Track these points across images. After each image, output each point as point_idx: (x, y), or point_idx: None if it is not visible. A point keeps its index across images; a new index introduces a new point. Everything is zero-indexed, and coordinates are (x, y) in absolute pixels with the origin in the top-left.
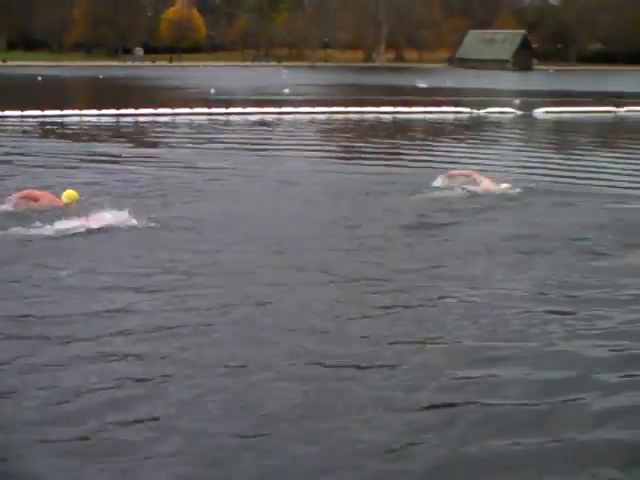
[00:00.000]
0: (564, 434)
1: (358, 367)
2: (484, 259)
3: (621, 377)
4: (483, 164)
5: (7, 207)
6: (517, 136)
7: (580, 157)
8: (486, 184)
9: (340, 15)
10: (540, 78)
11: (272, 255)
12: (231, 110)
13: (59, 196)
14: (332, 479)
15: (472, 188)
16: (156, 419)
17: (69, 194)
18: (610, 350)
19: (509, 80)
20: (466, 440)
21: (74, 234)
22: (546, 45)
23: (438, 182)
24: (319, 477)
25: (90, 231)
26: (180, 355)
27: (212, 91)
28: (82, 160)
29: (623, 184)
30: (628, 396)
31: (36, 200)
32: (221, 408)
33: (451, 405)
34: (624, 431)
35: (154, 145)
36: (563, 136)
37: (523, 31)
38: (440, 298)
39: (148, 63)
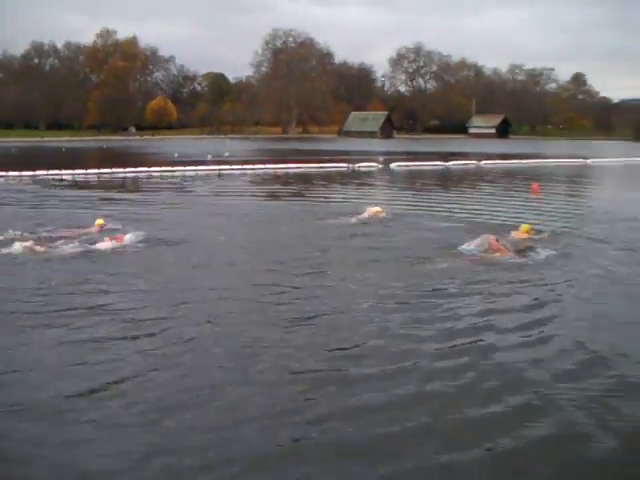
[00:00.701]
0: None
1: None
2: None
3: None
4: (359, 200)
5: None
6: (379, 182)
7: (423, 194)
8: (371, 212)
9: (265, 103)
10: (398, 143)
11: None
12: (188, 168)
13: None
14: None
15: (361, 216)
16: None
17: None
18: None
19: (377, 145)
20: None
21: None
22: (402, 121)
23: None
24: None
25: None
26: None
27: (175, 155)
28: (91, 201)
29: (454, 212)
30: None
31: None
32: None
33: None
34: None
35: (137, 191)
36: (410, 181)
37: (386, 112)
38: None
39: (138, 137)
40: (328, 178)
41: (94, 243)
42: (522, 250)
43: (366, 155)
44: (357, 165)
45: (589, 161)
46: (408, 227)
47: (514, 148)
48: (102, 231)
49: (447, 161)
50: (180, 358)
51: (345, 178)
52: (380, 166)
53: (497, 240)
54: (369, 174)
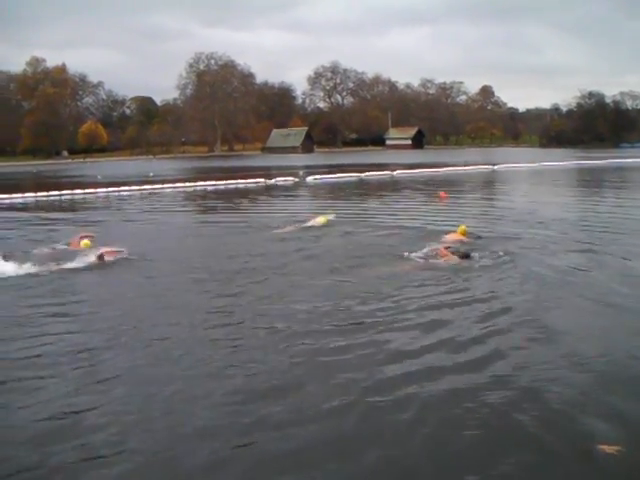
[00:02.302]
0: None
1: None
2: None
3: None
4: (280, 211)
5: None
6: (295, 193)
7: (341, 204)
8: (313, 221)
9: (191, 124)
10: (318, 157)
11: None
12: (109, 189)
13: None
14: None
15: (304, 224)
16: None
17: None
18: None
19: (298, 160)
20: None
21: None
22: (322, 136)
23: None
24: None
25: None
26: None
27: (99, 177)
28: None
29: (375, 220)
30: None
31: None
32: None
33: None
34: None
35: (63, 210)
36: (325, 192)
37: (306, 128)
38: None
39: (70, 161)
40: (246, 193)
41: (83, 259)
42: (464, 254)
43: (286, 169)
44: (274, 180)
45: (495, 167)
46: (351, 234)
47: (427, 158)
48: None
49: (362, 172)
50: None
51: (262, 193)
52: (297, 179)
53: (447, 248)
54: (286, 188)
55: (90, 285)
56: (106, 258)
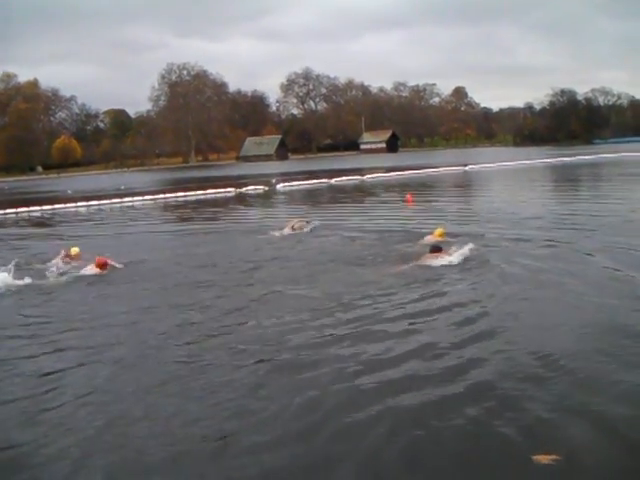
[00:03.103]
0: None
1: None
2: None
3: None
4: (250, 219)
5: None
6: (265, 201)
7: (311, 210)
8: (297, 225)
9: (164, 135)
10: (292, 164)
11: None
12: (79, 203)
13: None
14: None
15: (285, 230)
16: None
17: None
18: None
19: (272, 167)
20: None
21: None
22: (296, 142)
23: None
24: None
25: None
26: None
27: (69, 192)
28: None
29: (348, 224)
30: None
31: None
32: None
33: None
34: None
35: (38, 226)
36: (295, 199)
37: (280, 136)
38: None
39: (44, 176)
40: (216, 204)
41: (80, 270)
42: (435, 247)
43: (259, 178)
44: (244, 189)
45: (467, 168)
46: (327, 239)
47: (400, 161)
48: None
49: (331, 178)
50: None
51: (233, 202)
52: (266, 188)
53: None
54: (257, 196)
55: (62, 301)
56: (99, 270)
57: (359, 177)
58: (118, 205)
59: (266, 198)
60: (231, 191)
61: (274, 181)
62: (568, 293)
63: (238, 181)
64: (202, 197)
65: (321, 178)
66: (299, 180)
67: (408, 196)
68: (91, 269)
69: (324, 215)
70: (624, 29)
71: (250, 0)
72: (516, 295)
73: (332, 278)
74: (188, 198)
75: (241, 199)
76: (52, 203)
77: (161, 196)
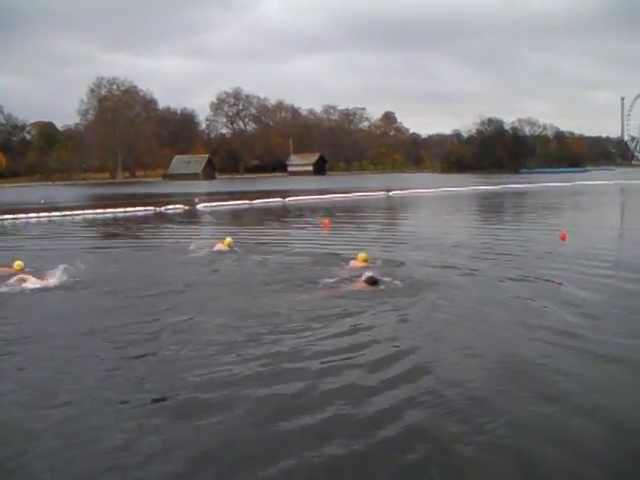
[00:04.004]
0: None
1: None
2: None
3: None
4: (167, 238)
5: None
6: (185, 220)
7: (233, 230)
8: (220, 246)
9: (91, 150)
10: (217, 184)
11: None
12: None
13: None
14: None
15: (212, 249)
16: None
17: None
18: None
19: (197, 187)
20: None
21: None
22: (224, 162)
23: (192, 247)
24: None
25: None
26: None
27: None
28: None
29: (271, 247)
30: None
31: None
32: None
33: None
34: None
35: None
36: (216, 219)
37: (207, 155)
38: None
39: None
40: (135, 221)
41: (24, 283)
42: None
43: (182, 197)
44: (164, 208)
45: (390, 193)
46: (246, 260)
47: (326, 184)
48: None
49: (252, 200)
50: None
51: (152, 221)
52: (186, 207)
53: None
54: (177, 215)
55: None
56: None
57: (281, 199)
58: (34, 220)
59: (186, 217)
60: (150, 209)
61: (196, 200)
62: (486, 323)
63: (160, 199)
64: (120, 215)
65: (243, 199)
66: (222, 200)
67: (325, 221)
68: (34, 283)
69: (243, 236)
70: (544, 62)
71: (178, 18)
72: (441, 329)
73: (255, 304)
74: (107, 215)
75: (160, 218)
76: None
77: (79, 212)
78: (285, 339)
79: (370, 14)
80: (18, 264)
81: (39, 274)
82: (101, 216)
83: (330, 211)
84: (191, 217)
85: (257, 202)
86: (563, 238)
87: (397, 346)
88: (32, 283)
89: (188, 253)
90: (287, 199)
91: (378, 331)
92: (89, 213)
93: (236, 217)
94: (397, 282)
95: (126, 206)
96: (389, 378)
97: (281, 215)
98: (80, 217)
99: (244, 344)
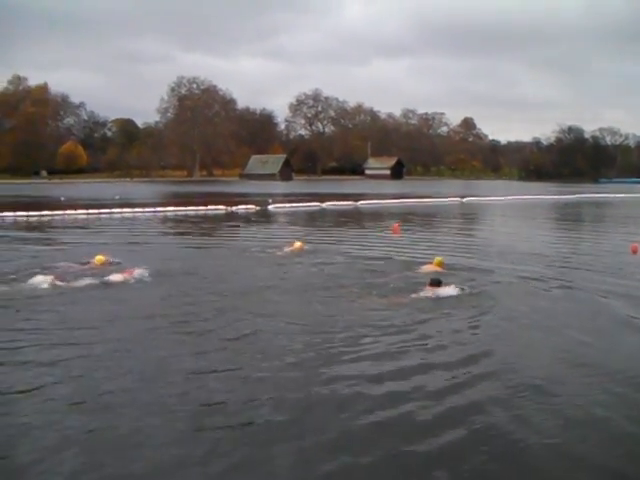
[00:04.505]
0: None
1: None
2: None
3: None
4: (252, 237)
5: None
6: (255, 220)
7: (304, 232)
8: (294, 247)
9: (170, 148)
10: (294, 185)
11: None
12: (67, 211)
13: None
14: None
15: (285, 250)
16: None
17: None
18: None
19: (274, 187)
20: None
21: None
22: (302, 163)
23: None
24: None
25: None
26: None
27: (62, 199)
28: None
29: (345, 247)
30: None
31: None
32: None
33: None
34: None
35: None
36: (286, 220)
37: (284, 155)
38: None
39: (46, 181)
40: (205, 221)
41: (106, 277)
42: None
43: (255, 197)
44: (235, 207)
45: (464, 200)
46: (324, 264)
47: (402, 189)
48: (105, 266)
49: (323, 202)
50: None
51: (221, 220)
52: (257, 208)
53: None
54: (248, 215)
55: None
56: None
57: (352, 202)
58: (107, 215)
59: (256, 218)
60: (222, 209)
61: (269, 201)
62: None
63: (233, 199)
64: (192, 213)
65: (313, 201)
66: (293, 202)
67: (395, 226)
68: (116, 277)
69: (314, 239)
70: (624, 69)
71: (258, 20)
72: (520, 336)
73: (317, 309)
74: (178, 213)
75: (231, 217)
76: (38, 209)
77: (150, 210)
78: (361, 342)
79: (449, 19)
80: (99, 259)
81: (119, 269)
82: (172, 214)
83: (401, 216)
84: (261, 217)
85: (328, 204)
86: (634, 251)
87: (466, 350)
88: (114, 277)
89: (257, 254)
90: (359, 202)
91: (448, 336)
92: (160, 211)
93: (307, 219)
94: (466, 288)
95: (198, 205)
96: (455, 382)
97: (352, 218)
98: (151, 214)
99: (307, 350)
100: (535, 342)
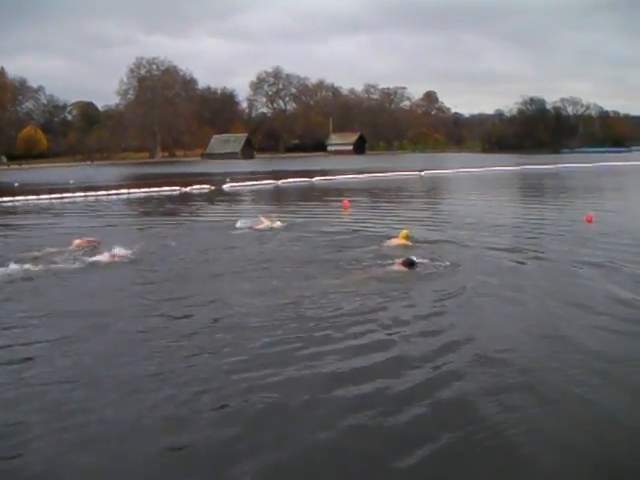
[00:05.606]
0: None
1: None
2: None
3: None
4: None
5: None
6: (206, 201)
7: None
8: (266, 223)
9: (130, 130)
10: (255, 163)
11: None
12: (16, 198)
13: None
14: None
15: (258, 226)
16: None
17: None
18: None
19: (234, 166)
20: None
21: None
22: (264, 142)
23: (238, 224)
24: None
25: None
26: None
27: (15, 184)
28: None
29: (303, 223)
30: None
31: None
32: None
33: None
34: None
35: None
36: (240, 198)
37: (246, 134)
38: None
39: (4, 167)
40: (161, 201)
41: (92, 257)
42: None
43: (216, 176)
44: (189, 188)
45: (422, 173)
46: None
47: (362, 163)
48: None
49: (278, 179)
50: None
51: (176, 201)
52: (212, 187)
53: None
54: (201, 195)
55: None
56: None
57: (308, 179)
58: (60, 200)
59: (208, 197)
60: (176, 189)
61: (227, 180)
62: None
63: (191, 179)
64: (145, 195)
65: (268, 179)
66: (249, 180)
67: (345, 202)
68: (103, 257)
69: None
70: (584, 41)
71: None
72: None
73: (289, 285)
74: (131, 195)
75: (185, 198)
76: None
77: (104, 193)
78: (319, 321)
79: None
80: (79, 242)
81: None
82: (125, 196)
83: (357, 192)
84: (215, 197)
85: (283, 182)
86: (589, 221)
87: (437, 323)
88: (99, 258)
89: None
90: (315, 179)
91: (422, 309)
92: (113, 194)
93: (261, 197)
94: (437, 263)
95: (152, 186)
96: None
97: (307, 195)
98: (105, 197)
99: (277, 327)
100: (509, 315)
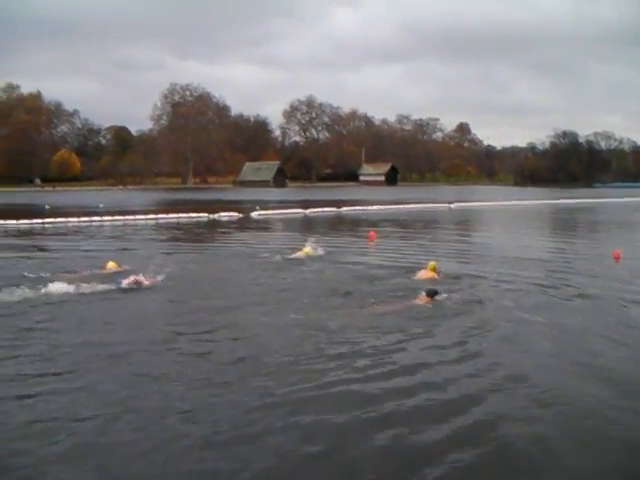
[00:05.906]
0: None
1: None
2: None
3: None
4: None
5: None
6: (234, 228)
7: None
8: (304, 251)
9: (163, 155)
10: (287, 192)
11: None
12: (46, 220)
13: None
14: None
15: (293, 255)
16: None
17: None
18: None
19: (265, 194)
20: None
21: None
22: (296, 170)
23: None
24: None
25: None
26: None
27: (46, 207)
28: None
29: (337, 255)
30: None
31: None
32: None
33: None
34: None
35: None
36: (268, 226)
37: (278, 162)
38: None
39: (39, 189)
40: (188, 227)
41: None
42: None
43: (246, 204)
44: (217, 215)
45: (452, 205)
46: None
47: (393, 195)
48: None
49: (306, 208)
50: None
51: (205, 227)
52: (240, 215)
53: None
54: (226, 223)
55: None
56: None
57: (335, 209)
58: (96, 223)
59: (238, 225)
60: (204, 216)
61: (257, 208)
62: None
63: (221, 206)
64: (173, 221)
65: (297, 208)
66: (278, 209)
67: (371, 233)
68: (127, 282)
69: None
70: (614, 73)
71: (250, 27)
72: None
73: (310, 317)
74: (159, 221)
75: (212, 225)
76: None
77: (131, 217)
78: (357, 349)
79: (441, 25)
80: (112, 265)
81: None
82: (152, 222)
83: (383, 223)
84: (242, 224)
85: (311, 211)
86: (617, 258)
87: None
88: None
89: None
90: (342, 209)
91: (437, 343)
92: (141, 219)
93: (289, 226)
94: (459, 296)
95: (181, 212)
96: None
97: (333, 225)
98: (133, 222)
99: (300, 357)
100: (545, 351)
